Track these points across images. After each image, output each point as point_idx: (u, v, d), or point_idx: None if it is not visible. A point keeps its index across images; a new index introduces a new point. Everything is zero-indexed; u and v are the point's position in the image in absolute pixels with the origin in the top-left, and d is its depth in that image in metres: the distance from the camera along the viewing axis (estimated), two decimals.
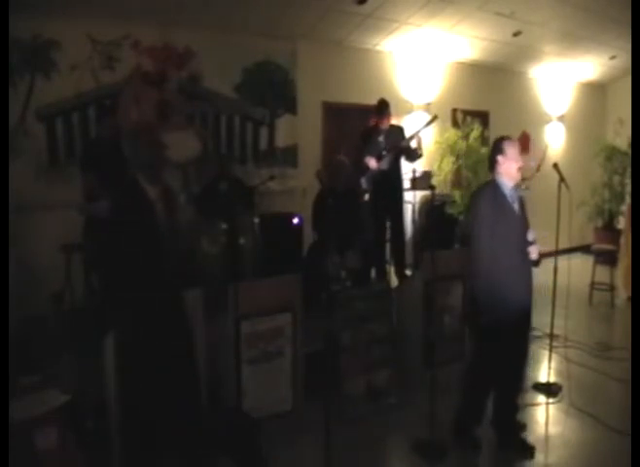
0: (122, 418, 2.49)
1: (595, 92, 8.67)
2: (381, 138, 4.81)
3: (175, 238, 2.43)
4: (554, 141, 8.20)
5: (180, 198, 2.87)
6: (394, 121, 5.02)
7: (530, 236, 2.76)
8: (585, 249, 7.03)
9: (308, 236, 4.76)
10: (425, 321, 3.56)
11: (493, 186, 2.78)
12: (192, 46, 4.91)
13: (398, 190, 5.00)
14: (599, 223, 7.78)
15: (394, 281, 4.80)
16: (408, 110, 6.44)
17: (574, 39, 6.45)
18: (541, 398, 3.52)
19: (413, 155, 4.85)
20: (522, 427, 3.07)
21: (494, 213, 2.69)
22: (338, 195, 4.27)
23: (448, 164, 5.99)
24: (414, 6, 5.15)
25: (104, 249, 2.88)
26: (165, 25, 4.73)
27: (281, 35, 5.33)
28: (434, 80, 6.62)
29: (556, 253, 3.60)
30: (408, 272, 5.06)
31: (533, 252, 2.76)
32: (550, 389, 3.58)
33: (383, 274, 4.90)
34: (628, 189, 6.95)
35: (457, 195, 5.81)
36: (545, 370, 3.82)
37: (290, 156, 5.61)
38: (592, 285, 5.71)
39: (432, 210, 5.37)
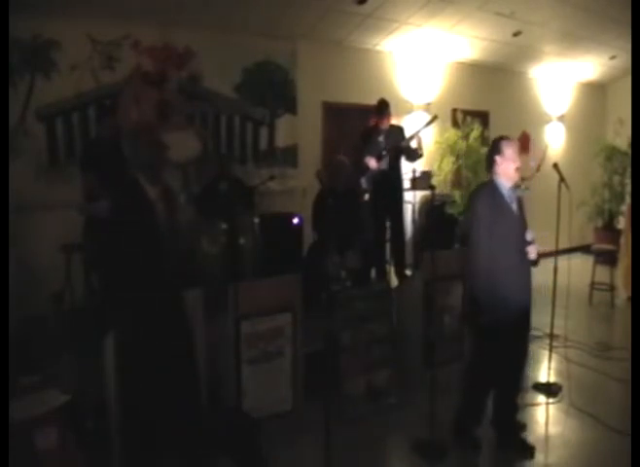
0: (122, 418, 2.49)
1: (595, 92, 8.67)
2: (381, 138, 4.81)
3: (175, 238, 2.43)
4: (554, 141, 8.20)
5: (180, 198, 2.87)
6: (394, 121, 5.01)
7: (529, 236, 2.76)
8: (585, 249, 7.03)
9: (308, 236, 4.76)
10: (425, 321, 3.56)
11: (491, 186, 2.78)
12: (192, 46, 4.91)
13: (398, 190, 4.99)
14: (599, 223, 7.78)
15: (394, 281, 4.80)
16: (408, 110, 6.44)
17: (574, 39, 6.45)
18: (541, 398, 3.52)
19: (414, 155, 4.85)
20: (522, 427, 3.07)
21: (492, 213, 2.69)
22: (338, 195, 4.26)
23: (448, 164, 6.00)
24: (414, 6, 5.15)
25: (104, 249, 2.88)
26: (165, 25, 4.73)
27: (281, 35, 5.33)
28: (434, 80, 6.62)
29: (556, 253, 3.60)
30: (409, 272, 5.06)
31: (532, 252, 2.76)
32: (550, 389, 3.58)
33: (383, 274, 4.90)
34: (628, 189, 6.95)
35: (457, 195, 5.82)
36: (545, 370, 3.82)
37: (290, 156, 5.61)
38: (592, 285, 5.71)
39: (432, 210, 5.37)
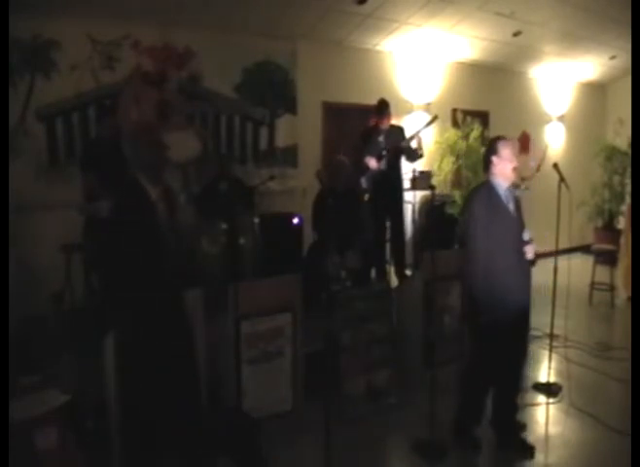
0: (122, 418, 2.49)
1: (595, 92, 8.67)
2: (381, 138, 4.81)
3: (175, 238, 2.43)
4: (554, 141, 8.20)
5: (180, 199, 2.87)
6: (394, 121, 5.02)
7: (526, 236, 2.76)
8: (585, 249, 7.03)
9: (308, 236, 4.76)
10: (425, 321, 3.56)
11: (487, 187, 2.78)
12: (192, 46, 4.91)
13: (398, 190, 5.00)
14: (599, 223, 7.78)
15: (394, 281, 4.81)
16: (408, 110, 6.44)
17: (574, 39, 6.45)
18: (541, 398, 3.52)
19: (414, 155, 4.85)
20: (522, 427, 3.07)
21: (488, 214, 2.69)
22: (338, 195, 4.26)
23: (448, 164, 6.00)
24: (414, 6, 5.15)
25: (104, 249, 2.88)
26: (165, 25, 4.73)
27: (281, 35, 5.33)
28: (434, 80, 6.62)
29: (556, 253, 3.60)
30: (409, 272, 5.06)
31: (529, 251, 2.76)
32: (550, 389, 3.58)
33: (383, 274, 4.90)
34: (628, 189, 6.95)
35: (457, 195, 5.81)
36: (545, 370, 3.82)
37: (290, 156, 5.61)
38: (592, 285, 5.71)
39: (432, 210, 5.37)
